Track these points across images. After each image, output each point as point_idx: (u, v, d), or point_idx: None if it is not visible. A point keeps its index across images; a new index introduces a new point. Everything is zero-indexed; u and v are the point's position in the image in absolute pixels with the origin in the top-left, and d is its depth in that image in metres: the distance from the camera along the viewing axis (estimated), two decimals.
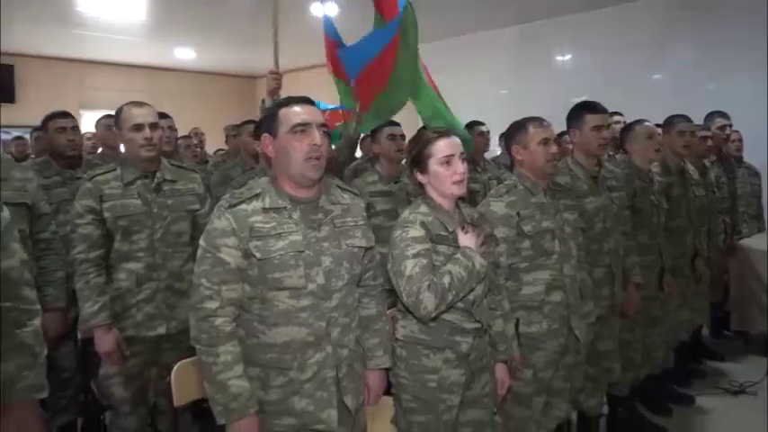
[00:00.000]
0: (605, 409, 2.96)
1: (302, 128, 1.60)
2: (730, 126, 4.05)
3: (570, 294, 2.20)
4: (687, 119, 3.29)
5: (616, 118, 4.06)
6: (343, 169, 3.57)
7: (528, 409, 2.23)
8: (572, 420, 2.89)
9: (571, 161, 2.61)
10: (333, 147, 3.18)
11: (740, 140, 4.54)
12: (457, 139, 1.86)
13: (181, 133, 4.16)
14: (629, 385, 3.03)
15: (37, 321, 1.44)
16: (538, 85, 6.82)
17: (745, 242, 4.38)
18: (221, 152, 5.39)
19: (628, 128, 3.06)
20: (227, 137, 4.96)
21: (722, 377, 3.85)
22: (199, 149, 4.63)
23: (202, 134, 5.31)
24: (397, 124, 3.20)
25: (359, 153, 4.13)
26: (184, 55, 8.28)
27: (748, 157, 4.57)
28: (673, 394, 3.47)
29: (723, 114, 4.02)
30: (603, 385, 2.81)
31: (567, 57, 6.87)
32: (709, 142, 3.69)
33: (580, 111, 2.57)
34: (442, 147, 1.82)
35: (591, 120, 2.52)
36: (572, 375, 2.39)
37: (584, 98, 2.72)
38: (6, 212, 1.40)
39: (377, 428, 2.15)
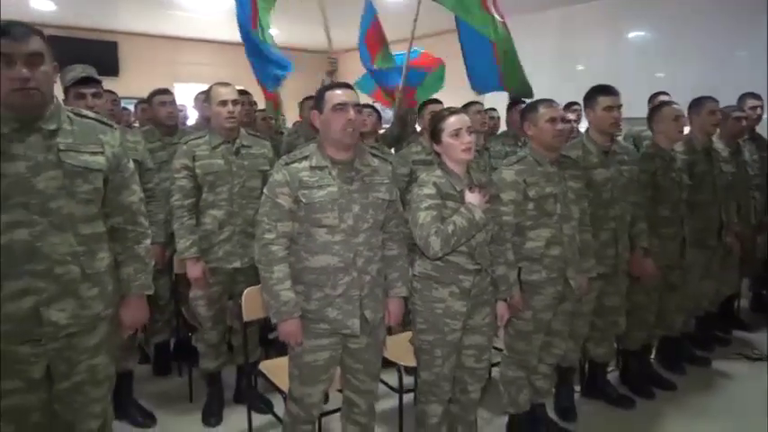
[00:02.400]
0: (613, 362, 3.34)
1: (341, 107, 2.10)
2: (762, 107, 4.16)
3: (568, 250, 2.60)
4: (715, 100, 3.51)
5: (752, 102, 4.16)
6: (399, 142, 4.06)
7: (528, 344, 2.66)
8: (584, 367, 3.30)
9: (586, 137, 2.96)
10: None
11: None
12: (465, 116, 2.29)
13: (261, 106, 4.76)
14: (640, 342, 3.38)
15: (148, 241, 2.03)
16: (613, 60, 6.96)
17: None
18: (299, 122, 5.95)
19: (655, 109, 3.32)
20: (300, 109, 5.52)
21: (747, 346, 4.08)
22: (274, 121, 5.21)
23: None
24: (440, 102, 3.64)
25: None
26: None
27: None
28: (689, 356, 3.76)
29: (756, 95, 4.14)
30: (611, 337, 3.18)
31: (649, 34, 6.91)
32: (744, 123, 3.85)
33: (594, 93, 2.91)
34: (452, 122, 2.27)
35: (603, 101, 2.86)
36: (572, 321, 2.79)
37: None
38: (131, 164, 1.99)
39: (397, 346, 2.68)
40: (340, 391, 2.38)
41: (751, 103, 4.13)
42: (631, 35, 7.00)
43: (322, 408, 2.34)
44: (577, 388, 3.29)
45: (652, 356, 3.67)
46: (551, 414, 3.02)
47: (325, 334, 2.15)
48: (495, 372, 2.94)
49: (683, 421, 3.09)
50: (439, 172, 2.31)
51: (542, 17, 7.38)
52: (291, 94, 6.38)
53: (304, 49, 10.31)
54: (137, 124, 5.32)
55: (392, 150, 3.97)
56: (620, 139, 3.76)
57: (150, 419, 3.03)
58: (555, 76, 6.73)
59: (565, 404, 3.09)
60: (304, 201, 2.08)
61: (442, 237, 2.17)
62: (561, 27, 7.44)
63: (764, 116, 4.28)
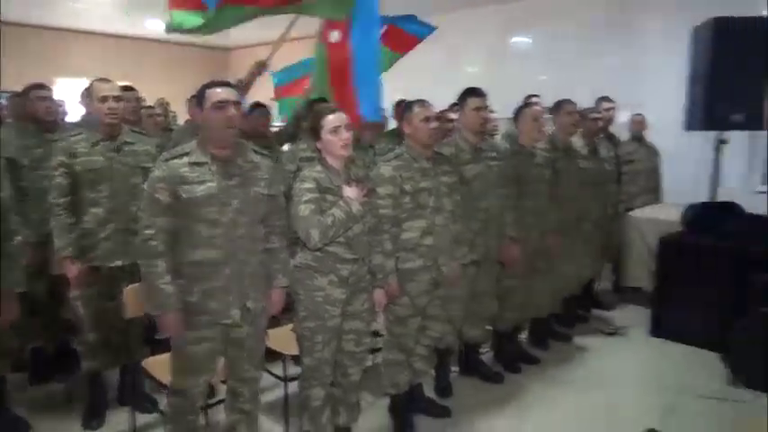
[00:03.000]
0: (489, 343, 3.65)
1: (221, 105, 2.17)
2: (614, 109, 4.67)
3: (441, 240, 2.82)
4: (572, 102, 3.91)
5: (606, 105, 4.69)
6: (294, 140, 4.12)
7: (406, 328, 2.86)
8: (461, 350, 3.57)
9: (459, 136, 3.21)
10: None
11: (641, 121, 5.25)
12: (343, 114, 2.44)
13: (151, 101, 4.66)
14: (512, 323, 3.70)
15: (19, 237, 2.01)
16: (499, 63, 7.50)
17: (638, 211, 5.09)
18: (190, 120, 5.86)
19: (518, 110, 3.65)
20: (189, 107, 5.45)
21: (604, 323, 4.57)
22: (161, 118, 5.11)
23: (167, 104, 5.79)
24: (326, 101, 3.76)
25: None
26: (155, 26, 8.66)
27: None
28: (554, 333, 4.17)
29: (608, 99, 4.65)
30: (484, 320, 3.47)
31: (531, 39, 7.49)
32: (600, 123, 4.30)
33: (464, 95, 3.17)
34: (331, 119, 2.41)
35: (472, 102, 3.13)
36: (447, 306, 3.02)
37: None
38: (3, 160, 1.96)
39: (282, 337, 2.79)
40: (224, 382, 2.46)
41: (606, 105, 4.62)
42: (515, 40, 7.55)
43: (205, 399, 2.40)
44: (456, 368, 3.57)
45: (524, 336, 4.04)
46: (431, 393, 3.25)
47: (206, 325, 2.22)
48: (379, 358, 3.13)
49: (543, 390, 3.45)
50: (319, 167, 2.44)
51: (432, 22, 7.75)
52: (183, 92, 6.29)
53: (193, 45, 10.12)
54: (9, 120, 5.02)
55: (285, 147, 4.04)
56: (498, 137, 4.10)
57: (25, 427, 2.92)
58: (444, 78, 7.09)
59: (443, 383, 3.34)
60: (184, 196, 2.13)
61: (322, 228, 2.30)
62: (451, 31, 7.83)
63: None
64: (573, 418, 3.15)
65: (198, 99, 2.24)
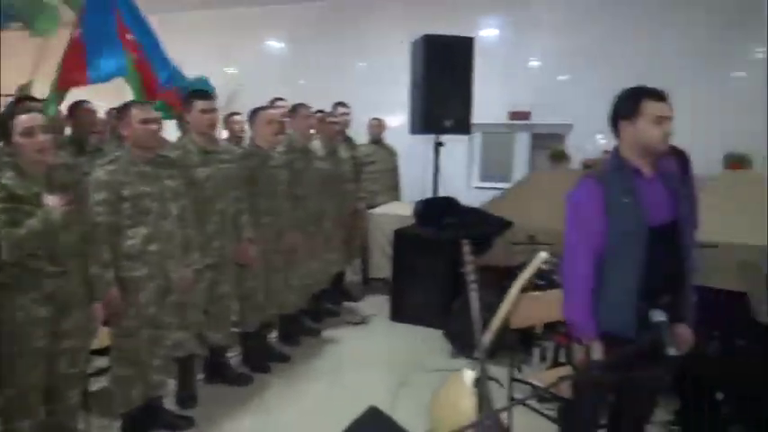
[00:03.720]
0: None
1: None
2: (350, 114, 5.04)
3: (167, 246, 2.74)
4: (307, 107, 4.10)
5: (342, 110, 4.88)
6: None
7: (136, 340, 2.72)
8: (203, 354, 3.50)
9: (188, 139, 3.15)
10: None
11: (379, 125, 5.71)
12: (38, 115, 2.22)
13: None
14: (256, 323, 3.73)
15: None
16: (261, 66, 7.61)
17: (379, 209, 5.53)
18: None
19: (252, 113, 3.70)
20: None
21: (352, 314, 4.88)
22: None
23: None
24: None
25: None
26: None
27: None
28: (303, 328, 4.33)
29: (344, 104, 5.00)
30: (226, 322, 3.45)
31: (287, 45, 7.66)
32: (337, 126, 4.57)
33: (191, 97, 3.13)
34: (22, 120, 2.17)
35: (199, 105, 3.09)
36: (182, 312, 2.93)
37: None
38: None
39: None
40: None
41: (341, 110, 4.94)
42: (272, 44, 7.68)
43: None
44: (202, 375, 3.49)
45: (274, 335, 4.12)
46: (172, 405, 3.14)
47: None
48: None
49: (291, 385, 3.56)
50: (10, 173, 2.18)
51: (197, 16, 7.54)
52: None
53: None
54: None
55: None
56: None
57: None
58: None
59: (185, 393, 3.24)
60: None
61: (11, 241, 2.06)
62: (215, 28, 7.70)
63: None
64: (318, 406, 3.31)
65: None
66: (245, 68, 7.79)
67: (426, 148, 5.76)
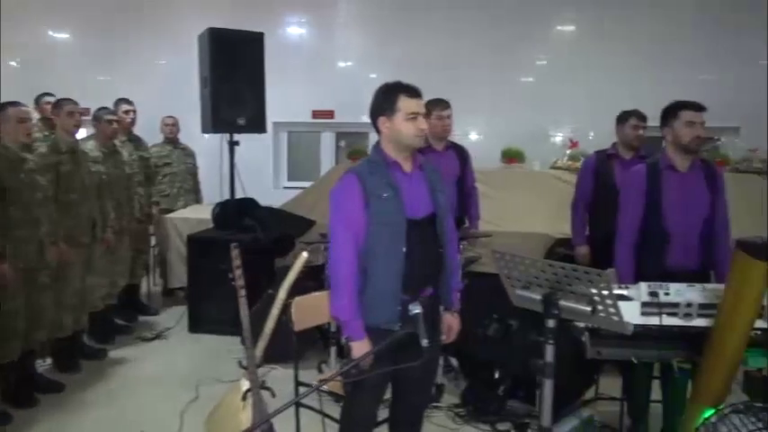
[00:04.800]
0: None
1: None
2: (135, 111, 4.65)
3: None
4: (74, 102, 3.66)
5: (125, 107, 4.54)
6: None
7: None
8: None
9: None
10: None
11: (174, 123, 5.34)
12: None
13: None
14: (17, 351, 3.20)
15: None
16: None
17: (176, 213, 5.18)
18: None
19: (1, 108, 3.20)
20: None
21: (149, 328, 4.50)
22: None
23: None
24: None
25: None
26: None
27: None
28: (86, 351, 3.87)
29: (128, 101, 4.60)
30: None
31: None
32: (114, 125, 4.13)
33: None
34: None
35: None
36: None
37: None
38: None
39: None
40: None
41: (124, 107, 4.54)
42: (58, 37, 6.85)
43: None
44: None
45: (46, 361, 3.63)
46: None
47: None
48: None
49: (60, 420, 3.12)
50: None
51: None
52: None
53: None
54: None
55: None
56: None
57: None
58: None
59: None
60: None
61: None
62: None
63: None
64: None
65: None
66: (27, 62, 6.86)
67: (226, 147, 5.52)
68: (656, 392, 2.84)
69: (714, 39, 5.75)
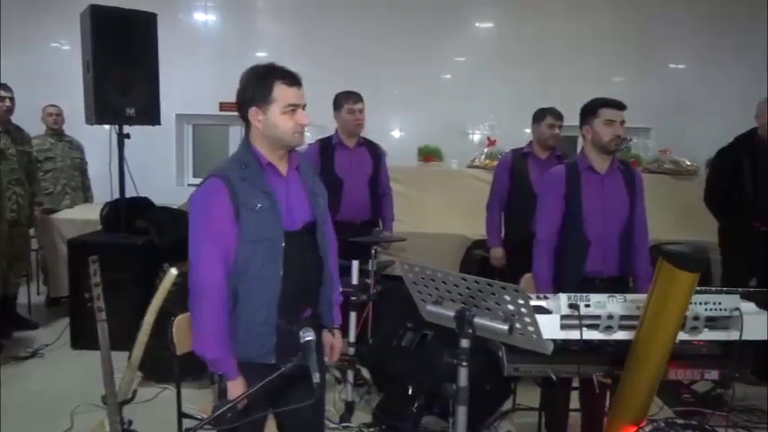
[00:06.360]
0: None
1: None
2: (8, 99, 4.05)
3: None
4: None
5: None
6: None
7: None
8: None
9: None
10: None
11: (58, 113, 4.77)
12: None
13: None
14: None
15: None
16: None
17: (61, 213, 4.65)
18: None
19: None
20: None
21: (27, 344, 3.97)
22: None
23: None
24: None
25: None
26: None
27: None
28: None
29: (6, 87, 4.00)
30: None
31: None
32: None
33: None
34: None
35: None
36: None
37: None
38: None
39: None
40: None
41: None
42: None
43: None
44: None
45: None
46: None
47: None
48: None
49: None
50: None
51: None
52: None
53: None
54: None
55: None
56: None
57: None
58: None
59: None
60: None
61: None
62: None
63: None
64: None
65: None
66: None
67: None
68: (574, 401, 2.71)
69: (626, 40, 5.81)
